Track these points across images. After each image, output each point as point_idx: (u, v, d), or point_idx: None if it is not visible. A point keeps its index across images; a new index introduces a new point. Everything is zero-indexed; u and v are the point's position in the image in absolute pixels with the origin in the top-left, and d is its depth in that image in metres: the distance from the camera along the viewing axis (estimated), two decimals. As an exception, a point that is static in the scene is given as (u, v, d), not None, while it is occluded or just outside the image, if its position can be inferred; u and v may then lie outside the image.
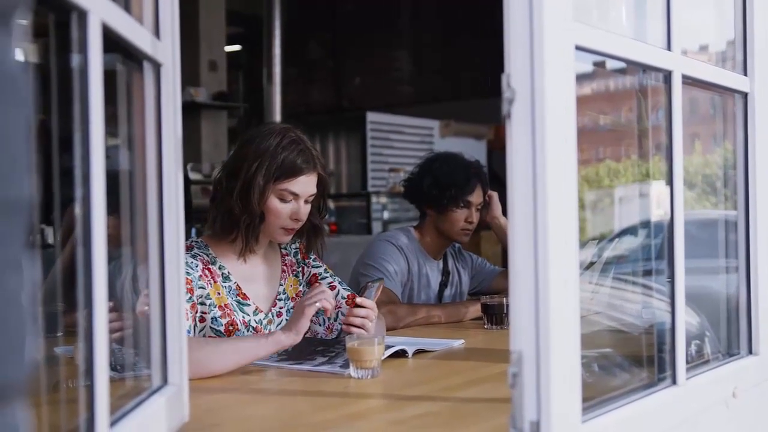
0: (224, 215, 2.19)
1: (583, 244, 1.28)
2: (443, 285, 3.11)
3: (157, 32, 1.34)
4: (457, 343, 2.32)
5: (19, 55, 0.60)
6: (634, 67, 1.59)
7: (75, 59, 1.01)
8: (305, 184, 2.19)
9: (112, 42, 1.10)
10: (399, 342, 2.19)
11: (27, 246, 0.60)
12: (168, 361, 1.37)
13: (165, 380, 1.36)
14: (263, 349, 1.96)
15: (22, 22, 0.61)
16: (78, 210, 1.02)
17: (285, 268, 2.36)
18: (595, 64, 1.47)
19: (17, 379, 0.58)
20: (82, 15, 0.99)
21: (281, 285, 2.33)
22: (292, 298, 2.34)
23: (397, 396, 1.74)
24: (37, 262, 0.64)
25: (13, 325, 0.57)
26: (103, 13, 1.03)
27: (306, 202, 2.21)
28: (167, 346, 1.37)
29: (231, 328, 2.16)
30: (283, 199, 2.17)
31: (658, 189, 1.87)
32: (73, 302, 1.07)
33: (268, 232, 2.23)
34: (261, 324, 2.24)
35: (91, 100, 1.00)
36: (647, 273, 1.94)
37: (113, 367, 1.23)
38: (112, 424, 1.08)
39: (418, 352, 2.16)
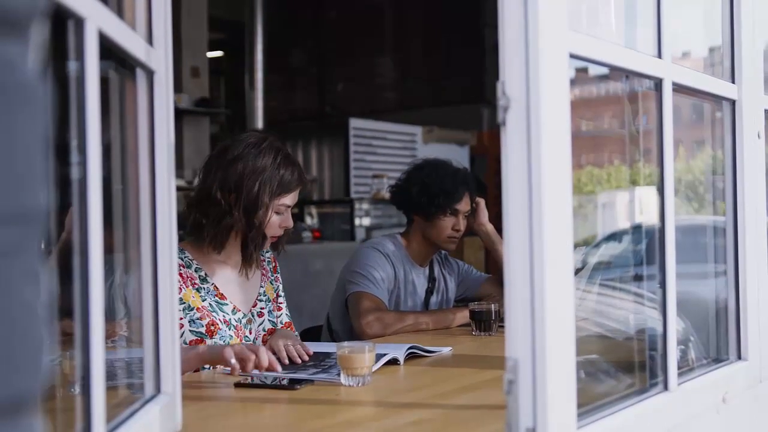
0: (225, 232, 2.24)
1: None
2: (429, 292, 3.11)
3: (150, 39, 1.34)
4: (446, 350, 2.32)
5: (35, 64, 0.60)
6: (616, 73, 1.60)
7: (71, 66, 1.00)
8: (296, 196, 2.32)
9: (106, 49, 1.10)
10: (389, 349, 2.19)
11: (42, 256, 0.60)
12: (161, 370, 1.36)
13: (158, 389, 1.35)
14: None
15: (39, 31, 0.61)
16: (74, 217, 1.01)
17: (264, 271, 2.44)
18: (578, 69, 1.47)
19: (36, 389, 0.58)
20: (79, 22, 0.98)
21: (261, 287, 2.41)
22: (272, 300, 2.42)
23: (389, 403, 1.74)
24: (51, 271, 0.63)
25: (31, 336, 0.57)
26: (100, 20, 1.03)
27: (291, 210, 2.33)
28: (160, 355, 1.36)
29: (212, 328, 2.21)
30: (278, 213, 2.28)
31: (641, 195, 1.88)
32: (61, 310, 1.06)
33: None
34: (240, 323, 2.29)
35: (88, 107, 1.00)
36: (633, 279, 1.95)
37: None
38: (108, 434, 1.08)
39: (411, 356, 2.17)
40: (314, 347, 2.24)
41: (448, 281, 3.19)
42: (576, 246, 2.28)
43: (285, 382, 1.87)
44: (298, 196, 2.35)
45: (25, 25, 0.58)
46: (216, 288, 2.27)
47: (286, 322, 2.43)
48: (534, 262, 1.16)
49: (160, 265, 1.36)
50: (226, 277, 2.31)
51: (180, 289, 2.18)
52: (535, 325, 1.15)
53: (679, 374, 1.56)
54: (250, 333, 2.32)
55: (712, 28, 1.92)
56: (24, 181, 0.57)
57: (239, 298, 2.32)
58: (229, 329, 2.23)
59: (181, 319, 2.16)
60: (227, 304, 2.27)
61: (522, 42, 1.16)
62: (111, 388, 1.36)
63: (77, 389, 1.09)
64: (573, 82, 1.52)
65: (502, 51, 1.18)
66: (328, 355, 2.16)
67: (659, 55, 1.52)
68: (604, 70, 1.57)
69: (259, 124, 8.46)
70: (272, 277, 2.47)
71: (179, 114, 7.31)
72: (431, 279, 3.13)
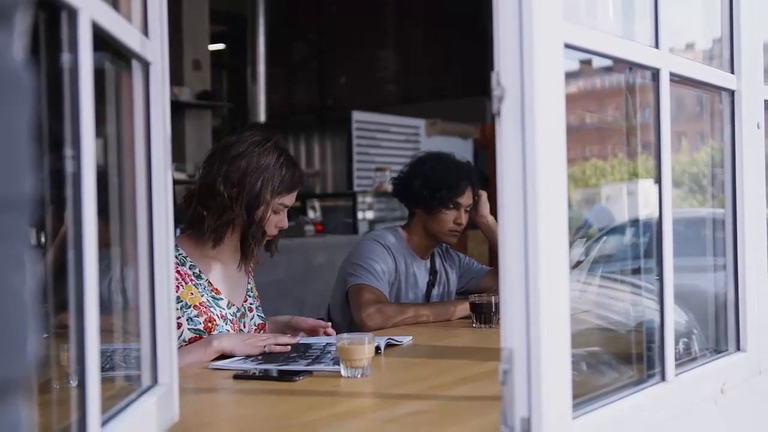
0: (225, 225, 2.26)
1: (570, 243, 1.28)
2: (431, 284, 3.11)
3: (145, 31, 1.34)
4: (406, 340, 2.35)
5: (20, 54, 0.60)
6: (620, 65, 1.59)
7: (65, 58, 1.00)
8: (294, 197, 2.36)
9: (101, 40, 1.10)
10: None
11: (28, 243, 0.60)
12: (158, 361, 1.36)
13: (155, 380, 1.36)
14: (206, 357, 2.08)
15: (23, 20, 0.61)
16: (67, 211, 1.01)
17: (250, 269, 2.48)
18: (582, 62, 1.47)
19: (21, 376, 0.58)
20: (72, 13, 0.98)
21: (249, 284, 2.45)
22: (256, 297, 2.47)
23: (387, 395, 1.74)
24: (38, 260, 0.64)
25: (17, 322, 0.57)
26: (93, 11, 1.02)
27: (289, 210, 2.37)
28: (157, 346, 1.36)
29: (210, 324, 2.23)
30: (275, 212, 2.31)
31: (644, 187, 1.88)
32: (60, 303, 1.07)
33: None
34: (235, 317, 2.33)
35: (82, 99, 1.00)
36: (635, 271, 1.95)
37: (102, 368, 1.23)
38: (103, 423, 1.08)
39: (389, 346, 2.22)
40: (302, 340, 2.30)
41: (450, 274, 3.19)
42: (580, 238, 2.28)
43: (283, 373, 1.87)
44: (295, 197, 2.38)
45: (9, 15, 0.58)
46: (210, 284, 2.30)
47: (259, 324, 2.45)
48: (528, 251, 1.16)
49: (156, 256, 1.36)
50: (218, 272, 2.34)
51: (178, 287, 2.19)
52: (530, 314, 1.15)
53: (678, 365, 1.56)
54: (244, 327, 2.34)
55: (714, 20, 1.91)
56: (9, 169, 0.57)
57: (231, 293, 2.35)
58: (226, 324, 2.26)
59: (180, 318, 2.18)
60: (222, 299, 2.31)
61: (516, 32, 1.16)
62: (109, 379, 1.36)
63: (76, 381, 1.09)
64: (577, 74, 1.51)
65: (497, 41, 1.18)
66: (309, 346, 2.19)
67: (656, 46, 1.51)
68: (608, 62, 1.57)
69: (261, 117, 8.47)
70: (253, 276, 2.52)
71: (181, 107, 7.32)
72: (433, 272, 3.13)
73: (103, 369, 1.15)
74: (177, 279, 2.20)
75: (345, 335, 1.94)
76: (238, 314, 2.34)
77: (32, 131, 0.61)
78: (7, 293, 0.57)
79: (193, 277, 2.26)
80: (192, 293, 2.24)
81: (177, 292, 2.19)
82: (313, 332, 2.41)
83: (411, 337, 2.39)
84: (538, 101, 1.15)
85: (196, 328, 2.20)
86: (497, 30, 1.17)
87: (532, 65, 1.15)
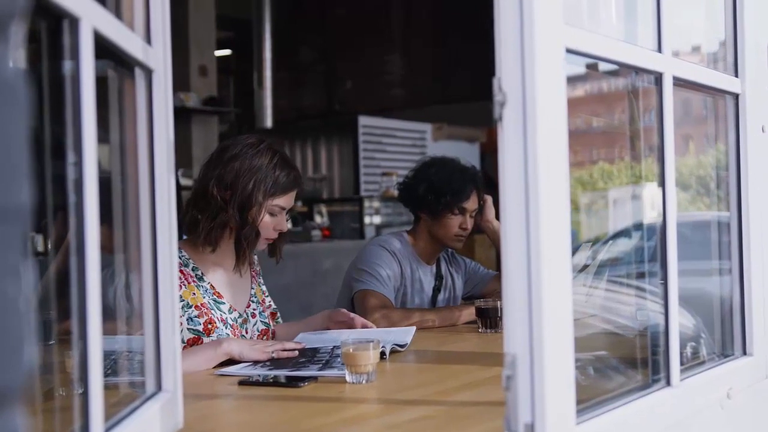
0: (219, 228, 2.26)
1: (576, 247, 1.28)
2: (437, 289, 3.11)
3: (148, 38, 1.34)
4: (410, 335, 2.36)
5: (16, 62, 0.60)
6: (626, 69, 1.59)
7: (66, 66, 1.01)
8: (292, 199, 2.34)
9: (103, 48, 1.10)
10: (390, 334, 2.26)
11: (25, 252, 0.60)
12: (162, 368, 1.36)
13: (159, 387, 1.36)
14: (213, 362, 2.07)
15: (20, 29, 0.61)
16: (71, 217, 1.01)
17: (253, 274, 2.48)
18: (588, 66, 1.47)
19: (16, 384, 0.58)
20: (74, 22, 0.98)
21: (252, 289, 2.45)
22: (261, 302, 2.46)
23: (392, 400, 1.74)
24: (33, 269, 0.64)
25: (13, 331, 0.58)
26: (95, 19, 1.03)
27: (287, 213, 2.35)
28: (161, 352, 1.36)
29: (210, 326, 2.24)
30: (272, 214, 2.30)
31: (651, 191, 1.87)
32: (65, 310, 1.07)
33: None
34: (236, 322, 2.33)
35: (84, 107, 1.00)
36: (641, 275, 1.94)
37: (106, 374, 1.23)
38: (107, 430, 1.08)
39: (394, 352, 2.21)
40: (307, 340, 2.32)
41: (456, 279, 3.19)
42: (586, 242, 2.27)
43: (288, 379, 1.87)
44: (294, 200, 2.37)
45: (5, 25, 0.58)
46: (212, 287, 2.30)
47: (271, 313, 2.49)
48: (531, 257, 1.15)
49: (160, 263, 1.37)
50: (221, 277, 2.34)
51: (180, 286, 2.20)
52: (533, 320, 1.15)
53: (684, 370, 1.55)
54: (246, 332, 2.35)
55: (719, 23, 1.90)
56: (5, 178, 0.57)
57: (234, 299, 2.35)
58: (226, 328, 2.26)
59: (180, 317, 2.18)
60: (224, 303, 2.31)
61: (517, 37, 1.16)
62: (113, 386, 1.37)
63: (82, 388, 1.09)
64: (583, 78, 1.51)
65: (498, 47, 1.18)
66: (316, 350, 2.19)
67: (659, 50, 1.51)
68: (615, 66, 1.56)
69: (268, 122, 8.47)
70: (259, 280, 2.52)
71: (187, 113, 7.32)
72: (438, 277, 3.12)
73: (106, 375, 1.15)
74: (179, 278, 2.21)
75: (350, 341, 1.93)
76: (240, 320, 2.34)
77: (29, 140, 0.61)
78: (2, 302, 0.57)
79: (195, 279, 2.27)
80: (194, 293, 2.24)
81: (179, 291, 2.19)
82: (349, 326, 2.43)
83: (414, 328, 2.41)
84: (540, 106, 1.15)
85: (195, 328, 2.21)
86: (498, 35, 1.17)
87: (534, 70, 1.15)
